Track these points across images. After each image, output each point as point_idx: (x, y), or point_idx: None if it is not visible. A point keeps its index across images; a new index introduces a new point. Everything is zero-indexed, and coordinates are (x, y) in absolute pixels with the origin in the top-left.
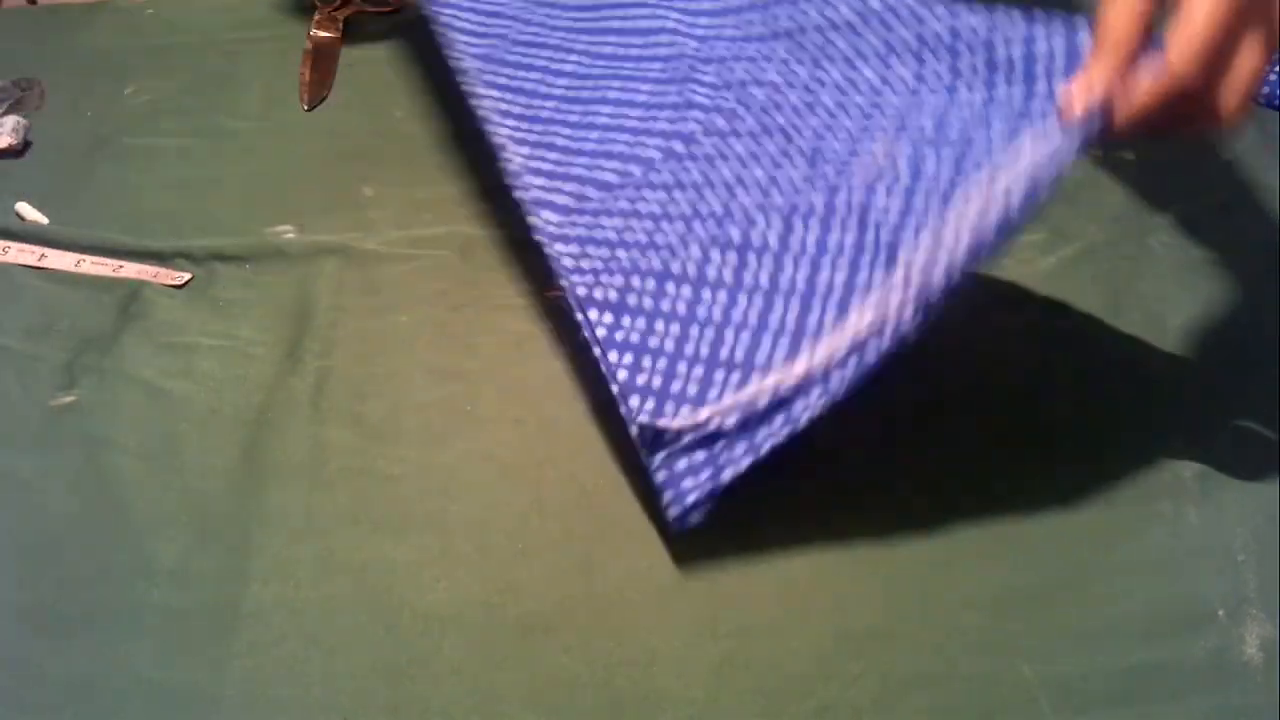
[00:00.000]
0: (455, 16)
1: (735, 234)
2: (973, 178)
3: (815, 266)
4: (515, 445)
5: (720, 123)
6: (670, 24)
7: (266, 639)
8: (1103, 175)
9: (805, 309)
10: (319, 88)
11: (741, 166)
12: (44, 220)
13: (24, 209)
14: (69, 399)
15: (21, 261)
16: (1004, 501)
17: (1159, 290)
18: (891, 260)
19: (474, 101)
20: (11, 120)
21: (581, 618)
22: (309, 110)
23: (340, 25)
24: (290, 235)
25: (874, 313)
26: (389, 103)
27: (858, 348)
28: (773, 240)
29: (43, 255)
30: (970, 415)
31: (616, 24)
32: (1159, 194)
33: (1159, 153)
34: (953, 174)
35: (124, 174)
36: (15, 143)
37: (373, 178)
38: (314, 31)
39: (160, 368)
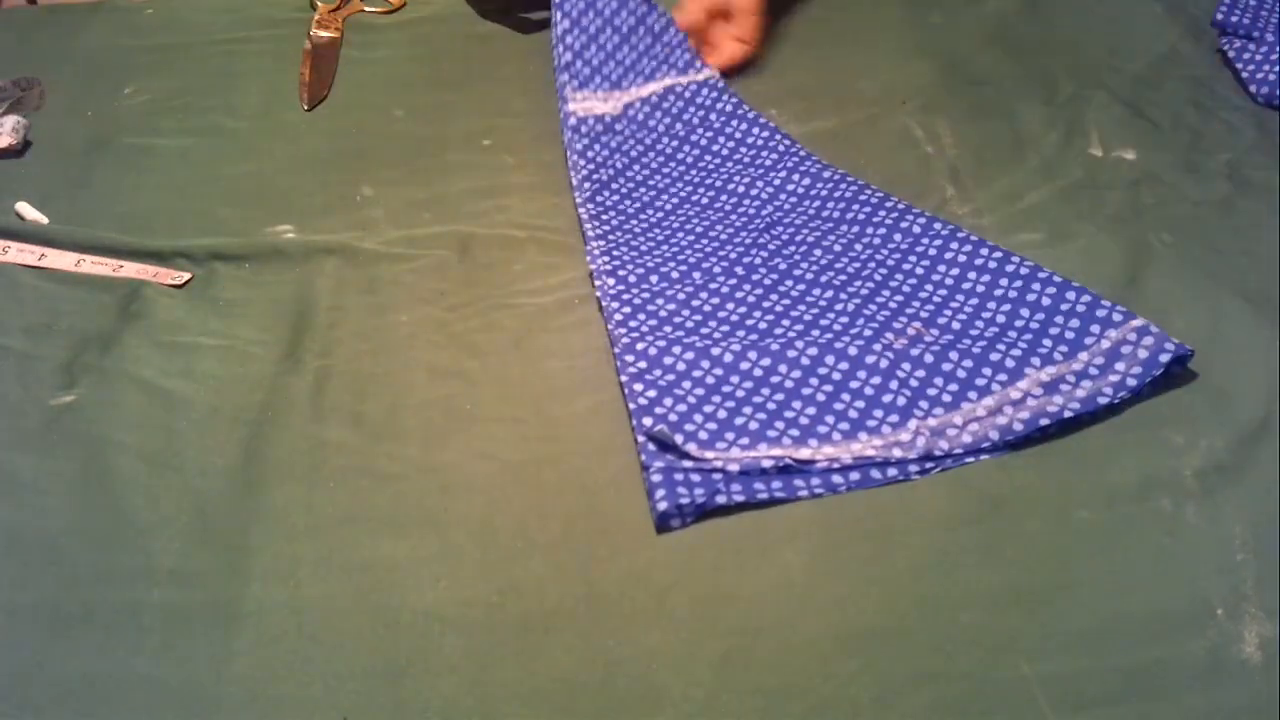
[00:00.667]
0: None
1: (774, 346)
2: (992, 385)
3: (836, 392)
4: (515, 445)
5: (781, 265)
6: (746, 202)
7: (267, 638)
8: (1103, 175)
9: (818, 418)
10: (319, 88)
11: (790, 303)
12: (44, 220)
13: (24, 209)
14: (69, 399)
15: (21, 261)
16: (1002, 500)
17: (1160, 289)
18: (905, 419)
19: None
20: (11, 120)
21: (581, 617)
22: (309, 110)
23: (340, 25)
24: (290, 235)
25: (878, 448)
26: (389, 103)
27: (862, 464)
28: (805, 361)
29: (43, 255)
30: None
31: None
32: (1159, 194)
33: (1159, 153)
34: (969, 373)
35: (124, 174)
36: (15, 143)
37: (373, 178)
38: (314, 31)
39: (160, 368)
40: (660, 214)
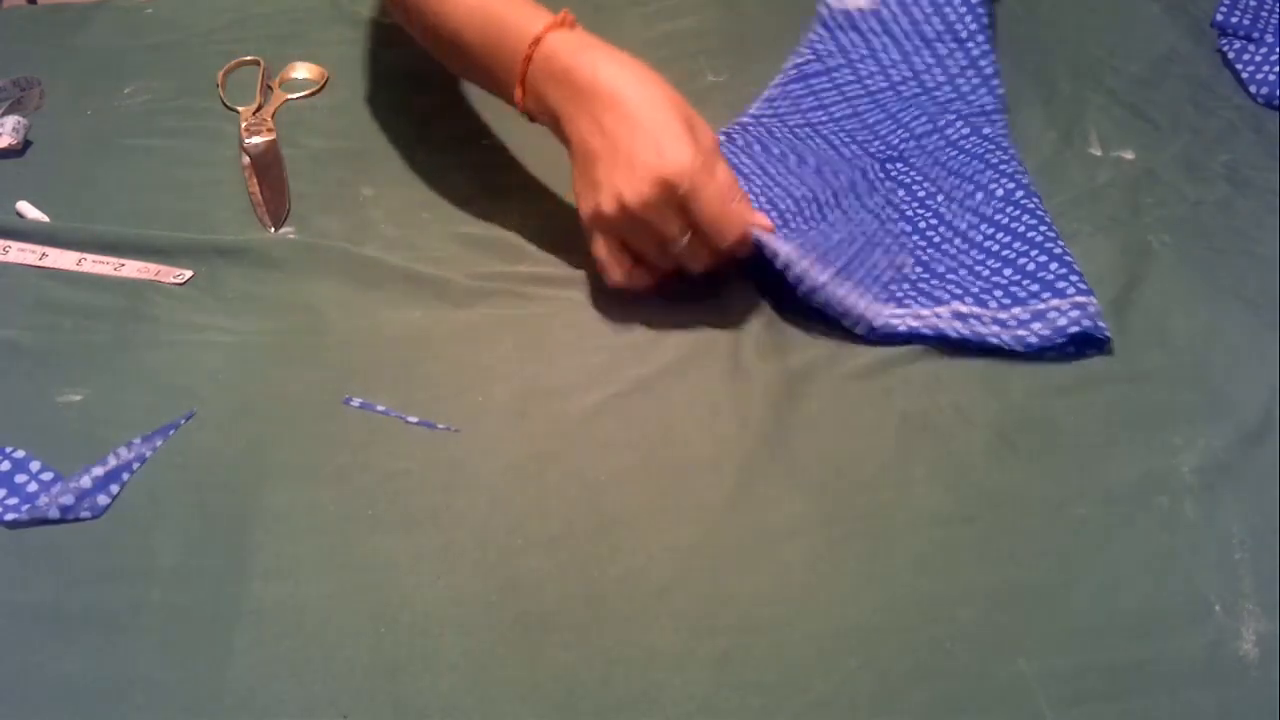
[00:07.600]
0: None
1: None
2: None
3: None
4: (516, 442)
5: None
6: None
7: (267, 637)
8: (1102, 175)
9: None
10: (278, 204)
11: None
12: (45, 219)
13: (25, 208)
14: (72, 398)
15: (23, 261)
16: (1001, 497)
17: (1159, 289)
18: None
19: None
20: (11, 120)
21: (581, 615)
22: (275, 231)
23: (272, 124)
24: (290, 236)
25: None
26: (389, 103)
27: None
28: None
29: (44, 254)
30: (969, 411)
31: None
32: (1159, 194)
33: (1159, 153)
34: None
35: (124, 173)
36: (15, 142)
37: (373, 178)
38: (247, 141)
39: (161, 366)
40: (826, 117)
